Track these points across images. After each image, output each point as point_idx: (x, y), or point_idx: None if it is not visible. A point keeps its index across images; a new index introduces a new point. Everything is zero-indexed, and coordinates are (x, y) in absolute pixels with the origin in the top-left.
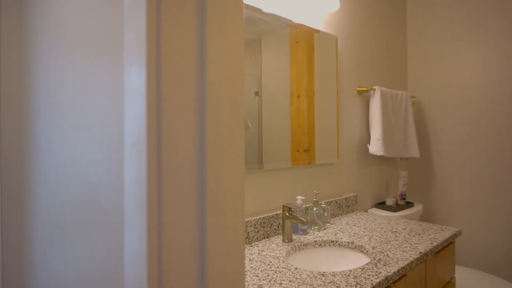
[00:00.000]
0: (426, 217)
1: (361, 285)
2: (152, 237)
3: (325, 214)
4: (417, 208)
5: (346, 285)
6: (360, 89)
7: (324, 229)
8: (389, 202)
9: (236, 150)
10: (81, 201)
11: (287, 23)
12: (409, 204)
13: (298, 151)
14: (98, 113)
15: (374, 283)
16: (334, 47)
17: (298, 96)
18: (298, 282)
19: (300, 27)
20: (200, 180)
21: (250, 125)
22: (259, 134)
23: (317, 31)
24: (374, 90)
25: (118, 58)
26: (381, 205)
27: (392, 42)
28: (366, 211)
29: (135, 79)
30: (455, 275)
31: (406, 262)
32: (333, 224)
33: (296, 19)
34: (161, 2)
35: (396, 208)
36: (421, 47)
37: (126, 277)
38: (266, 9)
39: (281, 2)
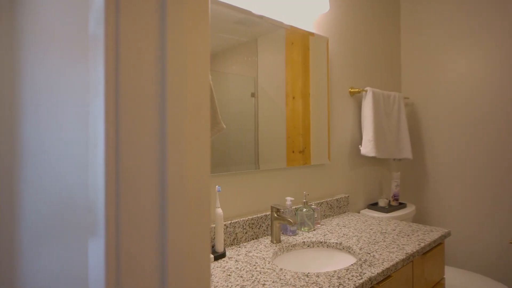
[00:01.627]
0: (419, 218)
1: (344, 286)
2: (110, 239)
3: (315, 215)
4: (409, 209)
5: (329, 286)
6: (352, 90)
7: (314, 230)
8: (382, 203)
9: (200, 151)
10: (60, 201)
11: (278, 25)
12: (401, 205)
13: (293, 152)
14: (71, 114)
15: (357, 284)
16: (325, 48)
17: (293, 97)
18: (282, 283)
19: (292, 28)
20: (161, 184)
21: (224, 126)
22: (256, 135)
23: (311, 34)
24: (366, 91)
25: (85, 59)
26: (373, 206)
27: (386, 43)
28: (359, 212)
29: (94, 80)
30: (444, 276)
31: (391, 263)
32: (323, 225)
33: (288, 21)
34: (120, 2)
35: (388, 209)
36: (415, 48)
37: (90, 279)
38: (257, 11)
39: (272, 4)
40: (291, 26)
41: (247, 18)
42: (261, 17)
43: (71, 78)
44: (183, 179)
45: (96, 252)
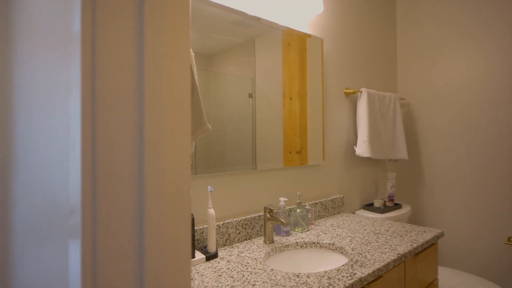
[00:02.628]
0: (414, 218)
1: (334, 286)
2: (87, 240)
3: (309, 215)
4: (405, 210)
5: (319, 286)
6: (347, 91)
7: (308, 230)
8: (377, 203)
9: (180, 152)
10: (46, 203)
11: (274, 27)
12: (397, 206)
13: (290, 152)
14: (57, 113)
15: (346, 284)
16: (319, 49)
17: (291, 98)
18: (272, 283)
19: (288, 30)
20: (139, 185)
21: (209, 127)
22: (253, 135)
23: (308, 35)
24: (361, 92)
25: (67, 58)
26: (368, 206)
27: (382, 44)
28: (354, 213)
29: (72, 79)
30: (438, 277)
31: (382, 264)
32: (317, 225)
33: (282, 22)
34: (96, 2)
35: (384, 209)
36: (411, 49)
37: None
38: (251, 12)
39: (266, 5)
40: (287, 28)
41: (243, 20)
42: (257, 18)
43: (56, 77)
44: (161, 180)
45: (74, 254)
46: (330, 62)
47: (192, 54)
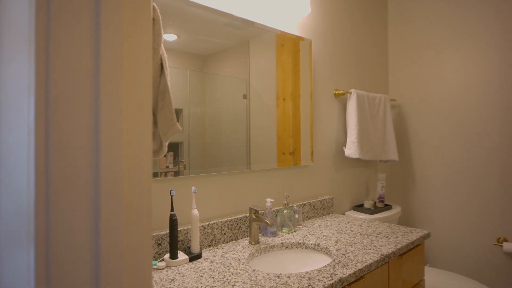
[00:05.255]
0: (404, 219)
1: (313, 287)
2: (40, 245)
3: (296, 216)
4: (395, 211)
5: (298, 287)
6: (337, 92)
7: (295, 231)
8: (367, 204)
9: (140, 154)
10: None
11: (264, 29)
12: (387, 207)
13: (283, 153)
14: (18, 116)
15: (326, 285)
16: (308, 50)
17: (284, 99)
18: (251, 284)
19: (281, 32)
20: (94, 188)
21: (180, 127)
22: (247, 136)
23: (301, 38)
24: (351, 93)
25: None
26: (359, 207)
27: (373, 45)
28: (344, 214)
29: (27, 78)
30: (424, 278)
31: (364, 264)
32: (304, 226)
33: (271, 24)
34: (51, 2)
35: (373, 210)
36: (402, 50)
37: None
38: (237, 13)
39: (256, 7)
40: (277, 30)
41: (234, 22)
42: (251, 22)
43: (17, 78)
44: (118, 183)
45: (28, 260)
46: (320, 63)
47: (166, 55)
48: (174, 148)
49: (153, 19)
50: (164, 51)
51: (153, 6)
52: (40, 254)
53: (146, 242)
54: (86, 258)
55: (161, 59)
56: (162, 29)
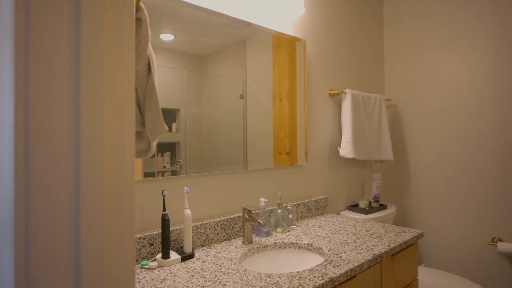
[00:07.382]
0: (400, 219)
1: (303, 286)
2: (19, 245)
3: (290, 216)
4: (390, 210)
5: (289, 286)
6: (331, 92)
7: (288, 231)
8: (362, 204)
9: (122, 154)
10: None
11: (260, 30)
12: (382, 207)
13: (280, 153)
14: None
15: (316, 285)
16: (302, 50)
17: (280, 99)
18: (242, 284)
19: (273, 31)
20: (74, 188)
21: (166, 127)
22: (244, 136)
23: (298, 39)
24: (345, 93)
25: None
26: (354, 207)
27: (369, 45)
28: (339, 214)
29: (5, 77)
30: (417, 277)
31: (356, 264)
32: (298, 226)
33: (266, 24)
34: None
35: (368, 210)
36: (398, 50)
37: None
38: (233, 14)
39: (248, 7)
40: (272, 30)
41: (229, 23)
42: (242, 22)
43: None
44: (99, 183)
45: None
46: (315, 63)
47: (153, 55)
48: (171, 148)
49: (140, 19)
50: (152, 51)
51: (140, 6)
52: (20, 254)
53: (128, 242)
54: (67, 258)
55: (148, 59)
56: (149, 29)
